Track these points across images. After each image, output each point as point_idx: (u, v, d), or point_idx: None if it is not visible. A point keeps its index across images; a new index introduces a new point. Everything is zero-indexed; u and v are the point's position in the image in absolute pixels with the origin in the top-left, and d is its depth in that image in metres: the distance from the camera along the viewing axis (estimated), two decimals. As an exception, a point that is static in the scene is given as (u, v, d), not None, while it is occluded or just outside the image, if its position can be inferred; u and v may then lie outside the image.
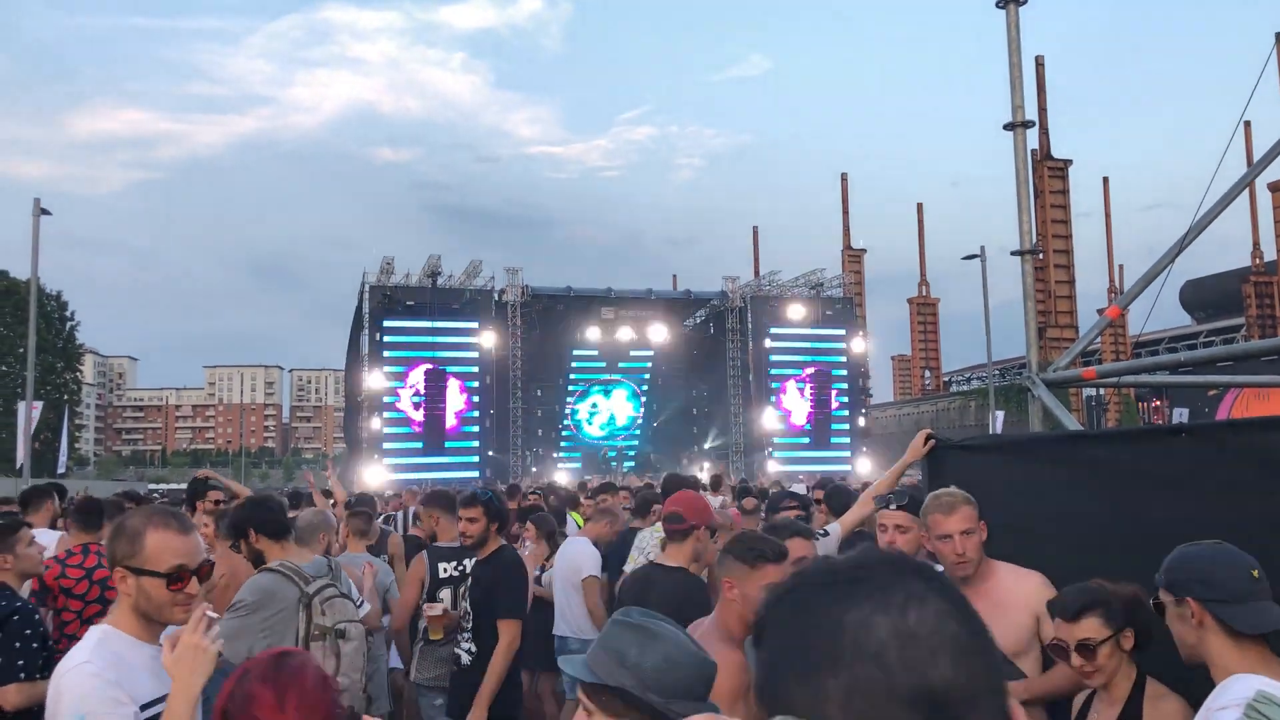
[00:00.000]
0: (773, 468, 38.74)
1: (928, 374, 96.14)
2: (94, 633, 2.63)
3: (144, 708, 2.45)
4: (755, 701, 0.88)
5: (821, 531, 5.33)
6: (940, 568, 3.88)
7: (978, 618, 0.86)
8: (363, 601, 5.43)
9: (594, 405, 50.66)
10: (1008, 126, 5.71)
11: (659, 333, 48.56)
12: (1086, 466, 3.85)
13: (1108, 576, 3.01)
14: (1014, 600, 3.54)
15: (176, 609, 2.55)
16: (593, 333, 47.59)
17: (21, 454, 21.21)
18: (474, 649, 5.14)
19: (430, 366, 41.23)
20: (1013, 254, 5.74)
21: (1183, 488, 3.42)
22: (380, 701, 6.12)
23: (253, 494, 6.22)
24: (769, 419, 45.68)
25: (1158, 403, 62.52)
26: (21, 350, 37.05)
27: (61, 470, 33.19)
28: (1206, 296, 79.94)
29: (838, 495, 5.96)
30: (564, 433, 50.52)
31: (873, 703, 0.78)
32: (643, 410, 51.41)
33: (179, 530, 2.59)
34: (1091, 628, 2.90)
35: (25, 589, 4.61)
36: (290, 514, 5.61)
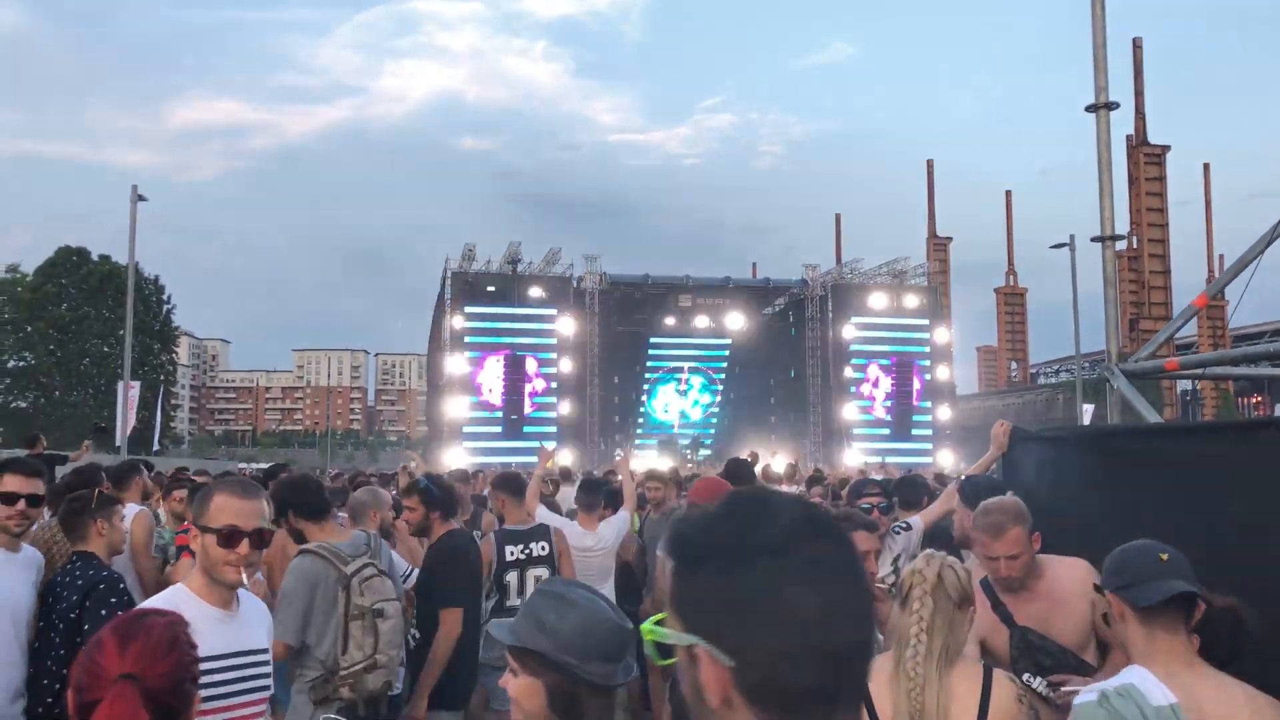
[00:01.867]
0: (850, 459, 38.26)
1: (1014, 365, 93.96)
2: (167, 590, 2.88)
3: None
4: (671, 608, 1.03)
5: (903, 525, 5.23)
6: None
7: (869, 585, 1.07)
8: (410, 571, 5.49)
9: (671, 393, 50.68)
10: (1090, 108, 5.49)
11: (737, 321, 48.31)
12: (1164, 460, 3.71)
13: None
14: (1071, 594, 3.47)
15: (228, 568, 2.70)
16: (671, 320, 47.55)
17: (120, 432, 22.07)
18: (417, 635, 5.14)
19: (509, 352, 41.71)
20: (1093, 240, 5.54)
21: (1267, 483, 3.27)
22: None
23: (290, 473, 6.31)
24: (848, 409, 45.15)
25: (1258, 399, 60.07)
26: (121, 332, 38.51)
27: (156, 448, 34.45)
28: (1313, 288, 76.55)
29: (906, 486, 5.84)
30: (640, 420, 50.65)
31: (795, 661, 0.95)
32: (719, 398, 51.26)
33: (240, 495, 2.76)
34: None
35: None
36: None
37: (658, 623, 1.07)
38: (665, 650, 1.09)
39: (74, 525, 4.47)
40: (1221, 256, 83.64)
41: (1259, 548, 3.12)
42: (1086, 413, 28.62)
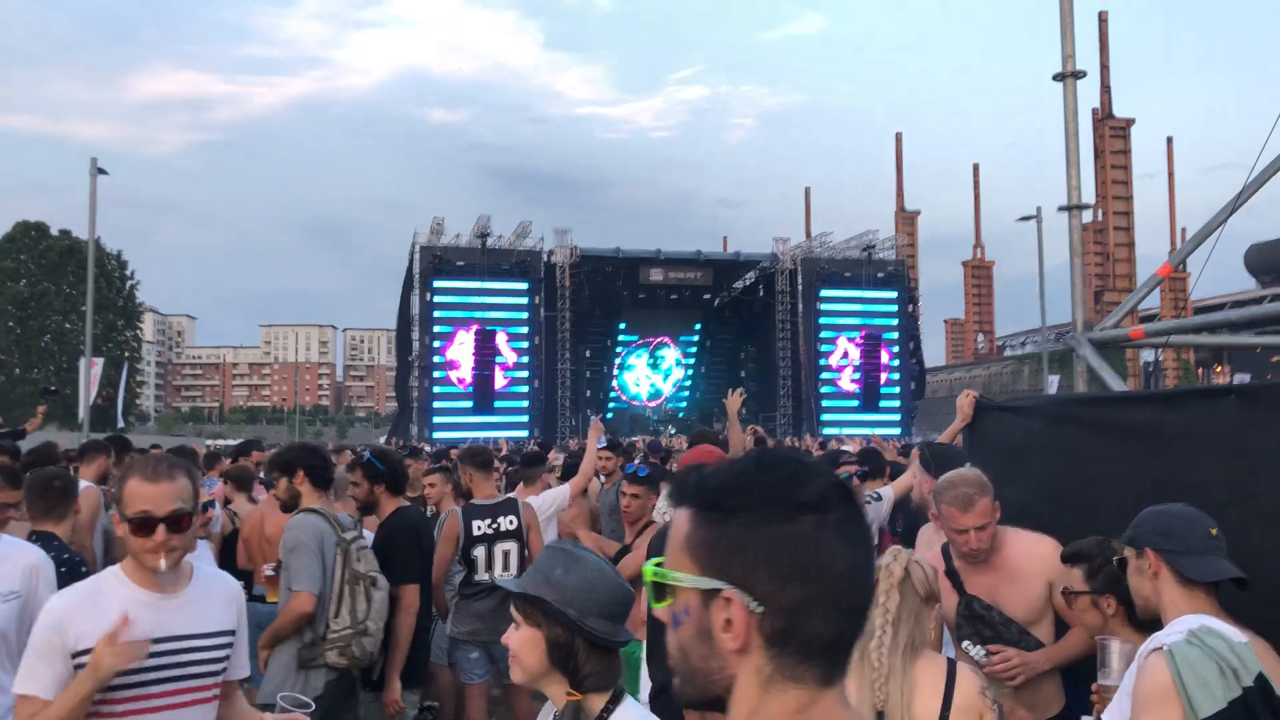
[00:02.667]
0: (826, 431, 38.51)
1: (981, 338, 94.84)
2: (99, 573, 2.79)
3: None
4: (688, 553, 1.07)
5: (874, 495, 5.26)
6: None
7: (872, 548, 1.13)
8: None
9: (643, 366, 50.73)
10: (1057, 77, 5.49)
11: (708, 294, 48.34)
12: (1129, 429, 3.73)
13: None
14: (1026, 570, 3.54)
15: (148, 555, 2.59)
16: (642, 294, 47.50)
17: (82, 409, 21.77)
18: None
19: (479, 327, 41.52)
20: (1060, 209, 5.56)
21: (1229, 452, 3.30)
22: (439, 655, 6.24)
23: (306, 442, 6.28)
24: (819, 382, 45.40)
25: (1219, 368, 61.00)
26: (83, 308, 37.90)
27: (120, 425, 34.03)
28: (1272, 260, 77.56)
29: (869, 457, 5.88)
30: (610, 394, 50.68)
31: (822, 611, 1.03)
32: (690, 372, 51.37)
33: (151, 478, 2.61)
34: (1074, 578, 3.13)
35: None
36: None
37: (659, 565, 1.11)
38: (660, 592, 1.12)
39: (43, 502, 4.36)
40: (1184, 229, 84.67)
41: (1220, 514, 3.15)
42: (1052, 383, 28.95)
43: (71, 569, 4.09)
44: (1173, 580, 2.56)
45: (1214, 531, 2.61)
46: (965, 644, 3.39)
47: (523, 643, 2.06)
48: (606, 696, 2.03)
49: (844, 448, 13.95)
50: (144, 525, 2.57)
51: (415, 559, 5.09)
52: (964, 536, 3.48)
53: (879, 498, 5.06)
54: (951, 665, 2.70)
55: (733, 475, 1.08)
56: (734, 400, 6.58)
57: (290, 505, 4.58)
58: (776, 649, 1.03)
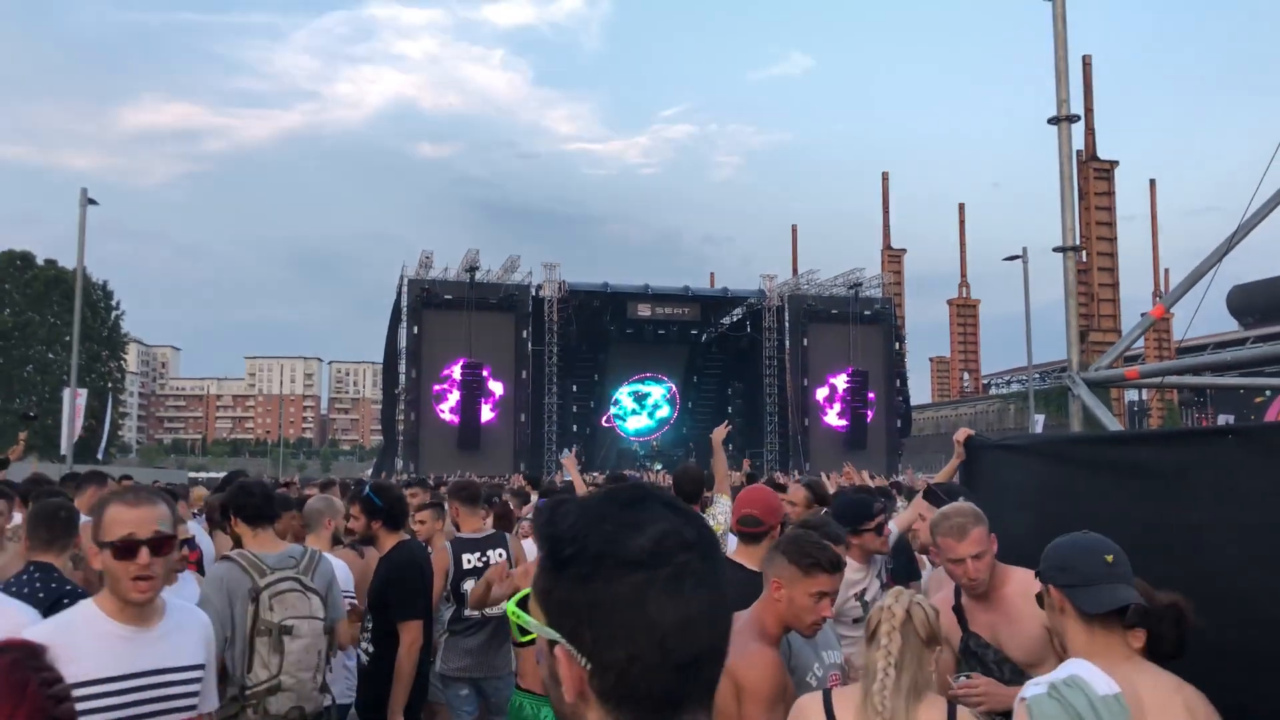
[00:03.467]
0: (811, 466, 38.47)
1: (966, 376, 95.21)
2: (75, 607, 2.76)
3: (79, 685, 2.44)
4: (536, 599, 1.05)
5: None
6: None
7: (725, 591, 1.06)
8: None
9: (629, 402, 50.68)
10: (1052, 120, 5.58)
11: (695, 330, 48.43)
12: (1126, 469, 3.74)
13: (1144, 581, 2.92)
14: (1026, 611, 3.46)
15: (130, 584, 2.58)
16: (629, 329, 47.57)
17: (66, 441, 21.59)
18: (371, 649, 4.99)
19: (466, 361, 41.47)
20: (1055, 250, 5.63)
21: (1226, 492, 3.31)
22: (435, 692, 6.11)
23: (244, 479, 6.02)
24: (805, 418, 45.43)
25: (1200, 411, 61.38)
26: (68, 338, 37.74)
27: (101, 456, 33.76)
28: (1254, 302, 78.26)
29: (812, 487, 5.92)
30: (597, 430, 50.58)
31: (649, 670, 0.99)
32: (676, 408, 51.36)
33: (133, 503, 2.64)
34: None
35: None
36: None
37: (520, 603, 1.11)
38: (525, 631, 1.10)
39: (46, 533, 4.25)
40: (1167, 270, 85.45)
41: (1216, 554, 3.16)
42: (1037, 422, 29.08)
43: (75, 601, 4.02)
44: (1075, 615, 2.54)
45: (1110, 558, 2.57)
46: (959, 677, 3.38)
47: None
48: None
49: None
50: (127, 549, 2.56)
51: (418, 595, 5.01)
52: (961, 567, 3.49)
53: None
54: (952, 707, 2.69)
55: (569, 524, 1.05)
56: (719, 433, 6.57)
57: (238, 545, 4.46)
58: (611, 704, 1.01)
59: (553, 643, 1.04)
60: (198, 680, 2.79)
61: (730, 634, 1.07)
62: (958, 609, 3.59)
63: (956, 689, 3.26)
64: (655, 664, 0.99)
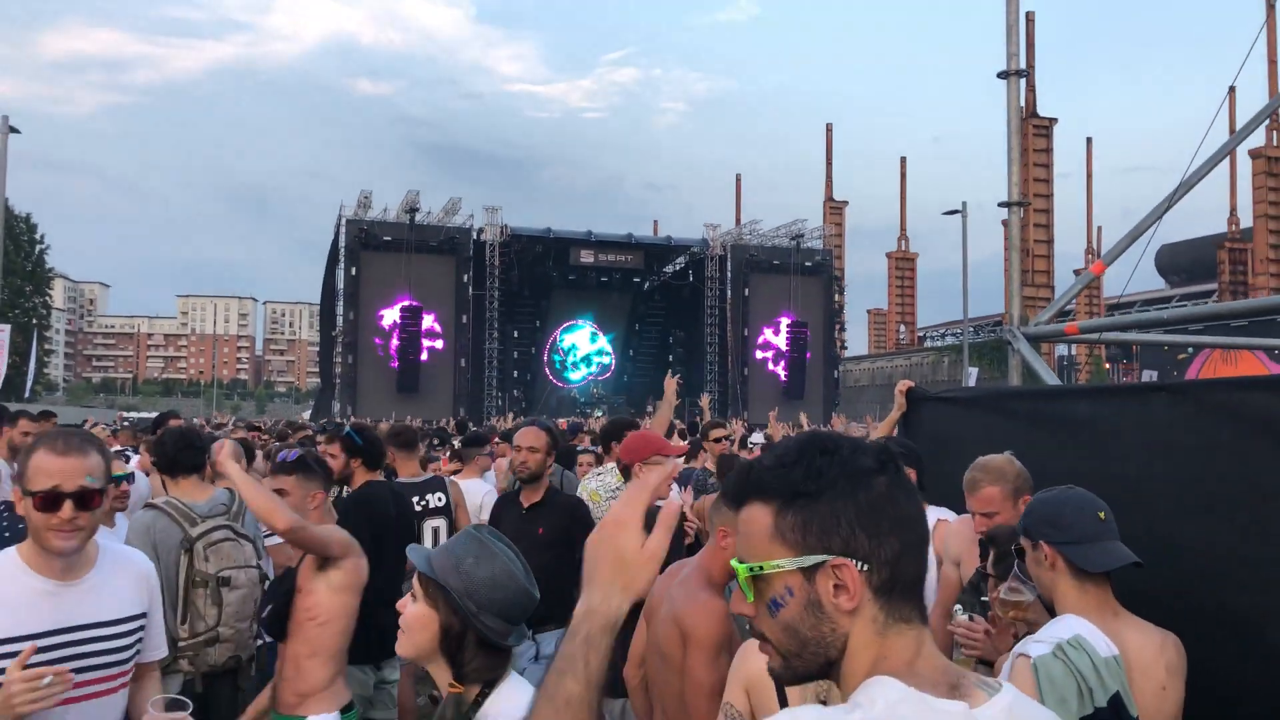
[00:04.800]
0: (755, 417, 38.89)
1: (903, 328, 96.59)
2: None
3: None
4: (779, 541, 1.19)
5: None
6: None
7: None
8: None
9: (569, 348, 50.59)
10: (1001, 75, 5.59)
11: (638, 278, 48.35)
12: (1063, 422, 3.81)
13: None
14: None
15: (52, 534, 2.42)
16: (572, 275, 47.34)
17: (-11, 377, 20.93)
18: None
19: (406, 304, 40.96)
20: (1000, 204, 5.67)
21: (1160, 446, 3.39)
22: None
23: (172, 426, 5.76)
24: (744, 367, 45.81)
25: (1126, 365, 63.09)
26: (-11, 272, 36.48)
27: (28, 395, 32.87)
28: (1181, 261, 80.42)
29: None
30: (538, 375, 50.48)
31: (913, 554, 1.20)
32: (617, 355, 51.42)
33: (61, 451, 2.44)
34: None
35: None
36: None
37: (744, 564, 1.23)
38: (757, 586, 1.22)
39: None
40: (1100, 228, 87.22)
41: (1151, 506, 3.24)
42: (971, 375, 29.59)
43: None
44: (1067, 572, 2.54)
45: (1103, 515, 2.59)
46: (956, 608, 3.38)
47: (417, 618, 2.05)
48: (479, 687, 2.03)
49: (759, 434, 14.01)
50: (50, 501, 2.40)
51: (362, 533, 4.98)
52: (974, 520, 3.53)
53: None
54: None
55: (803, 464, 1.21)
56: (671, 384, 6.58)
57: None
58: (885, 598, 1.17)
59: (813, 570, 1.18)
60: (133, 633, 2.63)
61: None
62: (982, 541, 3.62)
63: (956, 624, 3.22)
64: (916, 550, 1.20)
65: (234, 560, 4.07)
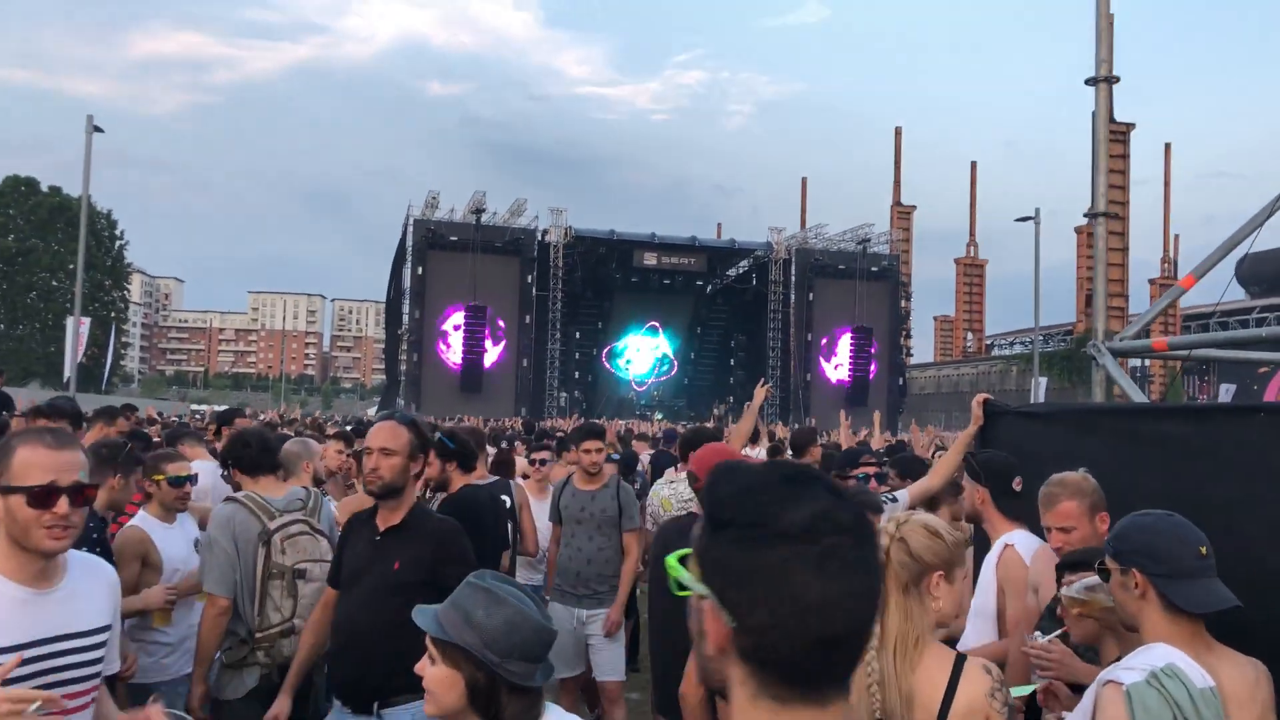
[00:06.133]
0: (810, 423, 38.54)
1: (970, 336, 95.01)
2: None
3: None
4: (694, 556, 1.11)
5: (890, 497, 5.13)
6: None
7: (875, 576, 1.11)
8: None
9: (632, 351, 50.66)
10: (1090, 81, 5.41)
11: (701, 281, 48.21)
12: (1153, 442, 3.67)
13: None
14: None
15: (44, 533, 2.27)
16: (634, 278, 47.38)
17: (69, 369, 21.58)
18: None
19: (471, 304, 41.35)
20: (1085, 215, 5.49)
21: (1254, 470, 3.25)
22: None
23: (242, 429, 5.88)
24: (807, 373, 45.43)
25: (1202, 380, 61.30)
26: (71, 266, 37.60)
27: (105, 387, 33.82)
28: (1264, 271, 77.85)
29: (903, 460, 5.80)
30: (599, 377, 50.63)
31: (789, 640, 1.04)
32: (679, 359, 51.36)
33: (53, 445, 2.33)
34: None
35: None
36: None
37: (682, 560, 1.15)
38: (682, 585, 1.15)
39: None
40: (1177, 236, 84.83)
41: (1242, 533, 3.11)
42: (1041, 385, 28.98)
43: (104, 545, 3.99)
44: (1159, 604, 2.44)
45: (1204, 550, 2.47)
46: (1036, 633, 3.28)
47: (439, 681, 2.03)
48: None
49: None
50: (46, 496, 2.25)
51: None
52: (1049, 534, 3.45)
53: (895, 500, 4.97)
54: (959, 662, 2.48)
55: (732, 490, 1.11)
56: (760, 393, 6.54)
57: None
58: (752, 665, 1.06)
59: (703, 597, 1.10)
60: (104, 645, 2.48)
61: (875, 616, 1.11)
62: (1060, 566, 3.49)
63: (1031, 647, 3.12)
64: (794, 634, 1.04)
65: (310, 554, 4.13)
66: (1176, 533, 2.51)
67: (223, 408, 18.33)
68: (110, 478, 4.23)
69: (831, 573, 1.04)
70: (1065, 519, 3.38)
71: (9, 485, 2.27)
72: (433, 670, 2.05)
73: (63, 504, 2.28)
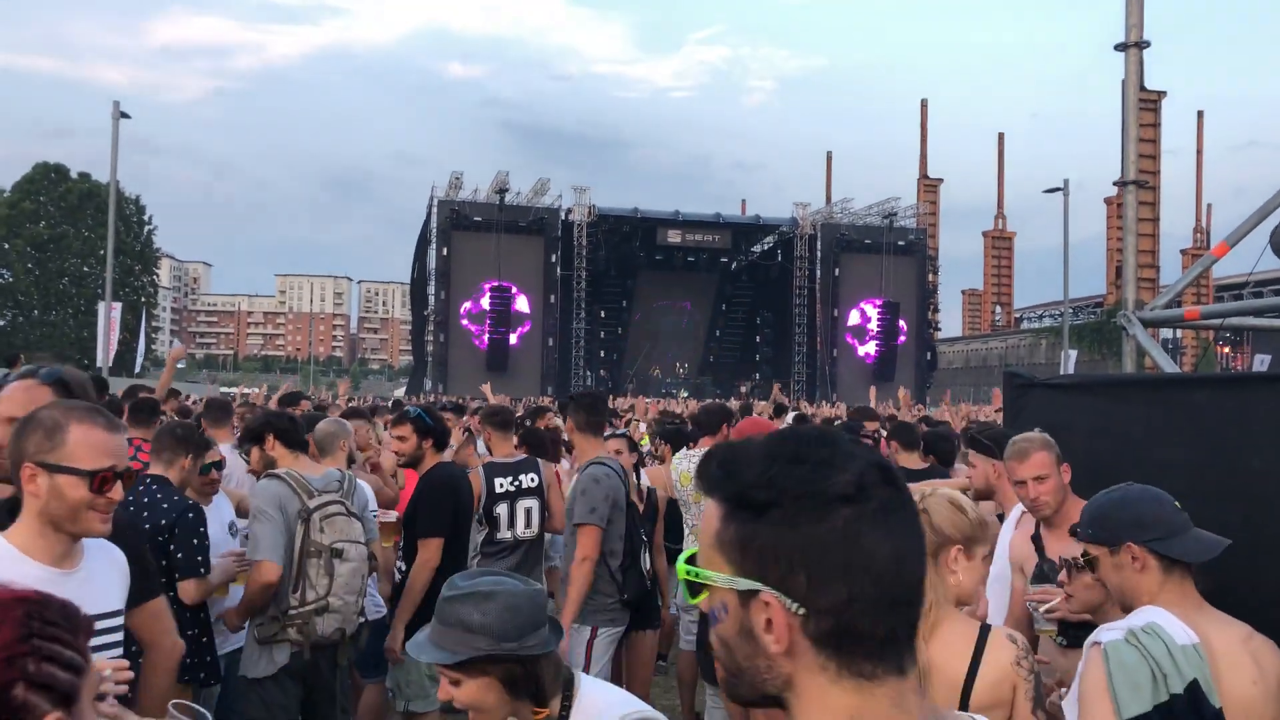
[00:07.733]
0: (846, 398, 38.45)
1: (999, 309, 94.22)
2: None
3: None
4: (721, 552, 1.01)
5: None
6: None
7: (922, 529, 1.06)
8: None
9: (657, 327, 50.61)
10: (1119, 46, 5.30)
11: (725, 258, 48.00)
12: (1187, 412, 3.63)
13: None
14: None
15: (95, 515, 2.24)
16: (659, 255, 47.27)
17: (103, 354, 21.84)
18: (404, 566, 5.04)
19: (496, 284, 41.43)
20: (1115, 184, 5.41)
21: (1287, 439, 3.20)
22: None
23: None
24: (834, 348, 45.25)
25: (1227, 349, 60.50)
26: (102, 252, 37.95)
27: (138, 370, 34.22)
28: (1299, 240, 76.69)
29: (902, 431, 5.75)
30: (624, 355, 50.64)
31: (869, 609, 0.97)
32: (705, 335, 51.27)
33: (108, 427, 2.29)
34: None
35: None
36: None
37: (690, 560, 1.06)
38: (695, 589, 1.05)
39: (165, 446, 4.24)
40: (1209, 206, 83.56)
41: (1274, 503, 3.07)
42: (1070, 358, 28.73)
43: (197, 514, 4.10)
44: (1158, 569, 2.44)
45: (1178, 505, 2.51)
46: (1031, 604, 3.31)
47: (474, 695, 2.02)
48: (559, 694, 2.05)
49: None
50: (106, 480, 2.22)
51: (443, 514, 5.01)
52: (1023, 489, 3.50)
53: None
54: (984, 632, 2.44)
55: (760, 468, 1.00)
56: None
57: (267, 469, 4.46)
58: (827, 650, 0.97)
59: (747, 596, 0.99)
60: (117, 629, 2.45)
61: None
62: (1036, 537, 3.58)
63: (1029, 595, 3.21)
64: (873, 601, 0.97)
65: (346, 534, 4.19)
66: (1149, 497, 2.53)
67: (245, 390, 18.43)
68: (183, 458, 4.29)
69: (895, 527, 0.98)
70: (1040, 468, 3.48)
71: (61, 465, 2.20)
72: (461, 690, 2.04)
73: (117, 489, 2.26)
